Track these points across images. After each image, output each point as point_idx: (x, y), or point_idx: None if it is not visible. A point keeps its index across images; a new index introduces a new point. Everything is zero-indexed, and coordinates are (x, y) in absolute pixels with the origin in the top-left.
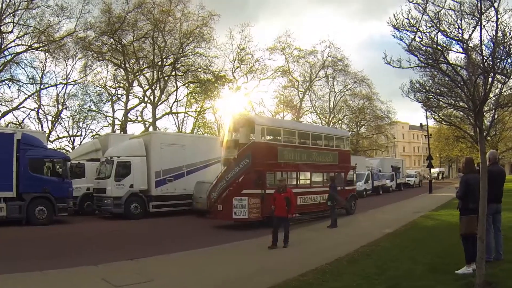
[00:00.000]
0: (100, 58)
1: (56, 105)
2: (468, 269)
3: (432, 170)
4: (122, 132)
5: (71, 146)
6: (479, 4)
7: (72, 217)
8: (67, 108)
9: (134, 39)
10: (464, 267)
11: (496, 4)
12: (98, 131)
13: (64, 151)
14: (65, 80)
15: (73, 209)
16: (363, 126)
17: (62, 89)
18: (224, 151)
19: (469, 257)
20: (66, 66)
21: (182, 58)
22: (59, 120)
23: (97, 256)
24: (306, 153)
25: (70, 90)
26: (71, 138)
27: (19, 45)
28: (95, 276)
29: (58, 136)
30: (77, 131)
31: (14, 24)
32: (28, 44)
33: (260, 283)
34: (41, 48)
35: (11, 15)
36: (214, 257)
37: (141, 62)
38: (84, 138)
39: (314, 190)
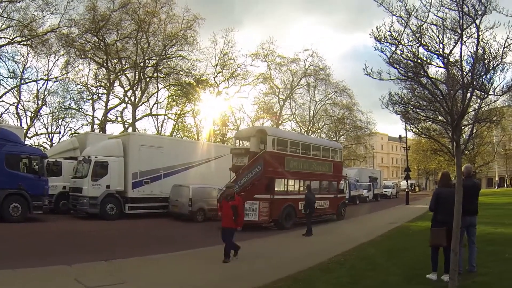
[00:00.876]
0: (82, 56)
1: (36, 101)
2: (432, 276)
3: (403, 182)
4: (101, 132)
5: (49, 143)
6: (461, 21)
7: (47, 215)
8: (47, 105)
9: (118, 39)
10: (431, 273)
11: (477, 21)
12: (77, 129)
13: (42, 148)
14: (46, 76)
15: (48, 207)
16: (342, 136)
17: (43, 85)
18: (234, 158)
19: (433, 265)
20: (48, 62)
21: (165, 60)
22: (38, 116)
23: (71, 256)
24: (308, 163)
25: (51, 87)
26: (50, 135)
27: (1, 37)
28: (67, 276)
29: (36, 132)
30: (56, 129)
31: None
32: (11, 38)
33: None
34: (24, 42)
35: None
36: (186, 261)
37: (123, 62)
38: (62, 136)
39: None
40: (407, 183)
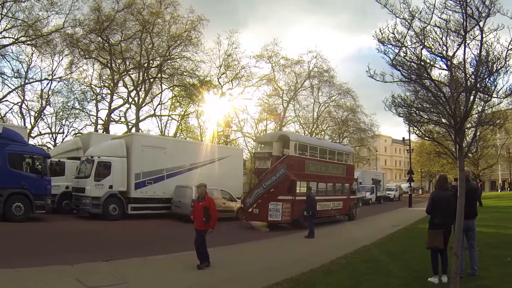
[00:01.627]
0: (86, 56)
1: (40, 100)
2: (434, 279)
3: (403, 185)
4: (104, 132)
5: (52, 143)
6: (464, 23)
7: (50, 215)
8: (51, 105)
9: (122, 39)
10: (432, 277)
11: (481, 24)
12: (81, 129)
13: (45, 148)
14: (50, 76)
15: (51, 207)
16: (346, 138)
17: (47, 85)
18: (256, 162)
19: (433, 268)
20: (52, 62)
21: (169, 61)
22: (42, 116)
23: (73, 256)
24: (325, 166)
25: (55, 87)
26: (53, 135)
27: (5, 37)
28: (69, 276)
29: (40, 132)
30: (60, 129)
31: (2, 16)
32: (15, 37)
33: None
34: (28, 42)
35: (0, 6)
36: (189, 262)
37: (127, 63)
38: (66, 136)
39: (329, 198)
40: (410, 186)
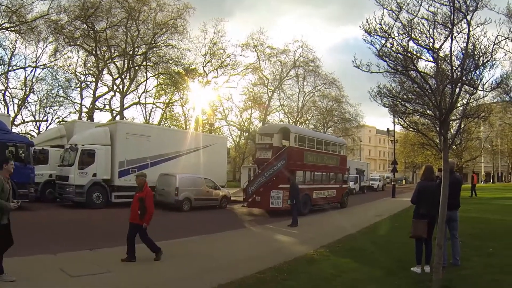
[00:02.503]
0: (71, 43)
1: (24, 88)
2: (417, 269)
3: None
4: (88, 120)
5: (36, 131)
6: (452, 16)
7: (33, 204)
8: (35, 92)
9: (107, 26)
10: (415, 267)
11: (468, 17)
12: (65, 117)
13: (28, 136)
14: (35, 63)
15: (34, 195)
16: (330, 128)
17: (31, 72)
18: (257, 152)
19: (417, 258)
20: (37, 49)
21: (154, 49)
22: (26, 104)
23: (56, 245)
24: (320, 157)
25: (39, 74)
26: (37, 123)
27: None
28: (52, 265)
29: (23, 120)
30: (44, 116)
31: None
32: None
33: (217, 279)
34: (12, 29)
35: None
36: (172, 251)
37: (112, 50)
38: (50, 123)
39: (324, 187)
40: (394, 176)
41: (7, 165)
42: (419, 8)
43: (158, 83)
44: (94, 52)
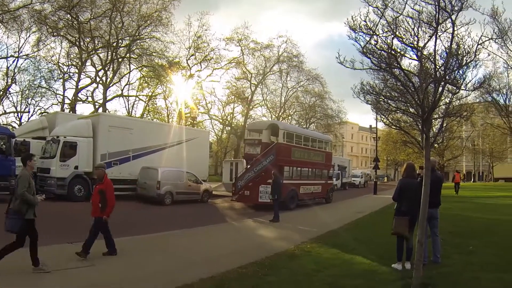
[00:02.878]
0: (55, 34)
1: (5, 78)
2: (398, 266)
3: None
4: (71, 112)
5: (17, 122)
6: (437, 15)
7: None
8: (17, 83)
9: (92, 17)
10: (396, 263)
11: (453, 17)
12: (47, 108)
13: (10, 127)
14: (17, 53)
15: (15, 188)
16: (313, 124)
17: (13, 62)
18: (246, 148)
19: (397, 255)
20: (19, 38)
21: (138, 41)
22: (7, 94)
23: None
24: (307, 153)
25: (21, 64)
26: (19, 114)
27: None
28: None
29: (4, 111)
30: (25, 108)
31: None
32: None
33: (198, 273)
34: None
35: None
36: (153, 244)
37: (96, 42)
38: (32, 115)
39: (310, 182)
40: (375, 173)
41: (31, 161)
42: (405, 6)
43: (141, 75)
44: (77, 43)
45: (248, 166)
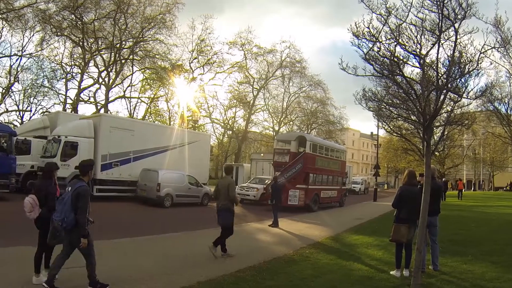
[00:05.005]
0: (58, 33)
1: (8, 77)
2: (396, 273)
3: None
4: (73, 112)
5: (19, 121)
6: (440, 23)
7: (14, 194)
8: (19, 82)
9: (96, 18)
10: (394, 270)
11: (456, 25)
12: (49, 108)
13: (11, 125)
14: (20, 52)
15: (15, 186)
16: (314, 130)
17: (16, 61)
18: (275, 156)
19: (396, 262)
20: (23, 37)
21: (142, 43)
22: (10, 93)
23: (35, 237)
24: (327, 162)
25: (25, 63)
26: (20, 112)
27: None
28: (32, 258)
29: (7, 109)
30: (27, 106)
31: None
32: None
33: (195, 276)
34: None
35: None
36: (152, 246)
37: (99, 42)
38: (33, 114)
39: (329, 188)
40: (376, 180)
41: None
42: (408, 14)
43: (144, 77)
44: (81, 43)
45: (279, 173)
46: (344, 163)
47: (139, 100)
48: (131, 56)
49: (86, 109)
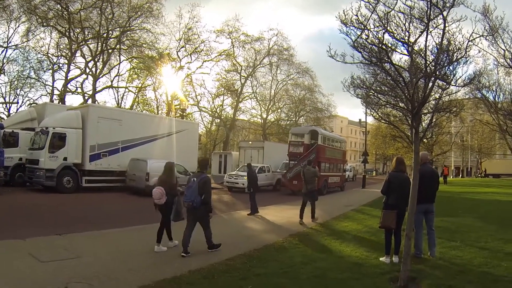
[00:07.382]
0: (44, 24)
1: None
2: (386, 259)
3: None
4: (60, 103)
5: (6, 113)
6: (428, 11)
7: (2, 188)
8: (5, 73)
9: (82, 8)
10: (384, 257)
11: (445, 13)
12: (36, 99)
13: None
14: (6, 43)
15: (3, 179)
16: (302, 117)
17: (2, 52)
18: (290, 147)
19: (386, 249)
20: (8, 28)
21: (128, 32)
22: None
23: (25, 230)
24: (333, 151)
25: (10, 55)
26: (7, 105)
27: None
28: (21, 250)
29: None
30: (14, 98)
31: None
32: None
33: (186, 264)
34: None
35: None
36: (143, 235)
37: (86, 32)
38: (20, 106)
39: (333, 174)
40: (364, 167)
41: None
42: (396, 2)
43: (131, 67)
44: (67, 33)
45: (296, 162)
46: (344, 152)
47: (127, 90)
48: (118, 46)
49: (73, 100)
